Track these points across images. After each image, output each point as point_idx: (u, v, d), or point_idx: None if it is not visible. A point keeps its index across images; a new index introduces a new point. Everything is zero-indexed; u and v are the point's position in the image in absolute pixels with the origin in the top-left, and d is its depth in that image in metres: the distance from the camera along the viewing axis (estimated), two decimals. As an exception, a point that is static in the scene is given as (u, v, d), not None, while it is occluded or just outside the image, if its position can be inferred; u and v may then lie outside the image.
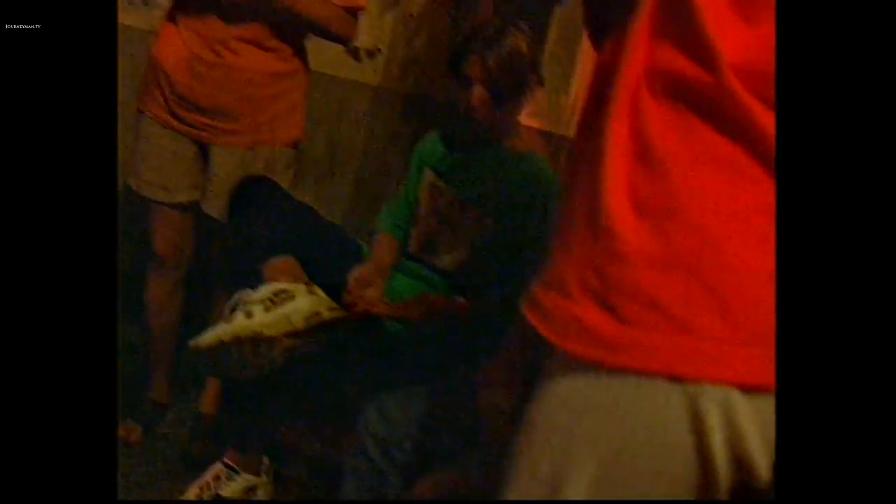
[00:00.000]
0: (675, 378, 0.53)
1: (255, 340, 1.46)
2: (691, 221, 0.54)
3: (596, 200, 0.57)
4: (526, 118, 1.86)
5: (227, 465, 1.72)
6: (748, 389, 0.53)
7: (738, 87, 0.53)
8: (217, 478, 1.70)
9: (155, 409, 2.08)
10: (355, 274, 1.65)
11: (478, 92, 1.69)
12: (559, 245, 0.61)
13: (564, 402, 0.58)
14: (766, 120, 0.53)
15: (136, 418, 2.02)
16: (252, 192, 1.80)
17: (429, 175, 1.82)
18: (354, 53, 2.77)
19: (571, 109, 2.06)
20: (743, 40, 0.54)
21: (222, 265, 2.00)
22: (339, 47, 2.61)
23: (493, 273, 1.72)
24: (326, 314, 1.53)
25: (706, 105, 0.55)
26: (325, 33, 1.88)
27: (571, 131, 2.05)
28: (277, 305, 1.50)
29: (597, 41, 0.71)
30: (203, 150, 1.89)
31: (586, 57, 2.02)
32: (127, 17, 2.31)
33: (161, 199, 1.91)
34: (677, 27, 0.57)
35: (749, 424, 0.53)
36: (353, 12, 1.88)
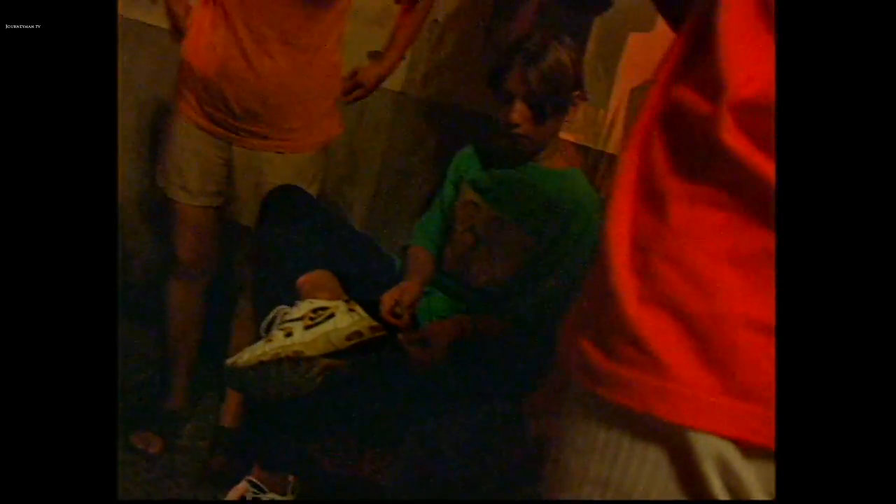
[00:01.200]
0: (665, 421, 0.52)
1: (295, 360, 1.42)
2: (684, 264, 0.53)
3: (604, 228, 0.58)
4: (563, 132, 1.82)
5: (252, 483, 1.68)
6: (742, 445, 0.52)
7: (737, 132, 0.51)
8: (243, 496, 1.66)
9: (173, 419, 2.03)
10: (393, 293, 1.60)
11: (519, 107, 1.65)
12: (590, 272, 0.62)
13: (574, 444, 0.59)
14: (767, 167, 0.51)
15: (155, 429, 1.98)
16: (283, 200, 1.76)
17: (466, 190, 1.78)
18: (376, 58, 2.73)
19: (610, 124, 2.02)
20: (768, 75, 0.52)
21: (249, 274, 1.95)
22: (362, 52, 2.58)
23: (532, 292, 1.68)
24: (367, 334, 1.48)
25: (709, 145, 0.53)
26: None
27: (609, 147, 2.04)
28: (317, 324, 1.46)
29: (676, 28, 0.69)
30: (231, 155, 1.84)
31: (625, 71, 1.98)
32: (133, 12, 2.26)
33: (182, 200, 1.86)
34: (699, 60, 0.56)
35: (748, 475, 0.52)
36: None
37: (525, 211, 1.71)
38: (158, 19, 1.99)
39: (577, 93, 1.69)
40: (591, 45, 1.99)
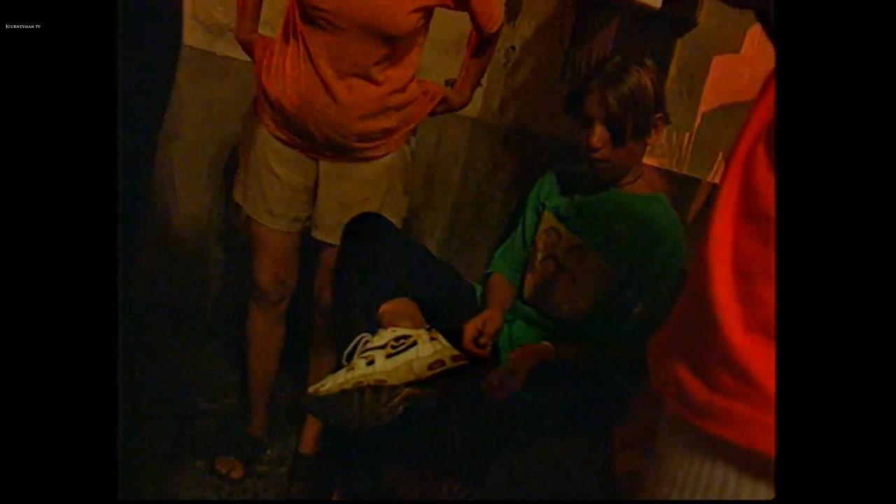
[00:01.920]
0: (768, 455, 0.49)
1: (377, 389, 1.40)
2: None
3: (702, 253, 0.55)
4: (646, 157, 1.77)
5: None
6: None
7: None
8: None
9: (253, 445, 2.05)
10: (476, 322, 1.58)
11: (599, 131, 1.62)
12: (680, 297, 0.60)
13: (674, 478, 0.57)
14: None
15: (236, 454, 2.00)
16: (365, 226, 1.76)
17: (548, 217, 1.75)
18: (452, 84, 2.74)
19: (692, 147, 1.97)
20: None
21: (329, 300, 1.96)
22: (439, 79, 2.59)
23: (617, 320, 1.64)
24: (449, 363, 1.46)
25: None
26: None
27: (686, 169, 1.99)
28: (399, 352, 1.45)
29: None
30: (316, 173, 1.86)
31: (709, 93, 1.93)
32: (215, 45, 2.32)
33: (266, 223, 1.89)
34: None
35: None
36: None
37: (608, 238, 1.68)
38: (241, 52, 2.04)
39: (658, 115, 1.65)
40: (673, 68, 1.94)
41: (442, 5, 1.77)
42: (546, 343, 1.63)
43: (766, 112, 0.57)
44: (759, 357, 0.51)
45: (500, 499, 1.35)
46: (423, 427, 1.61)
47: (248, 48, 1.89)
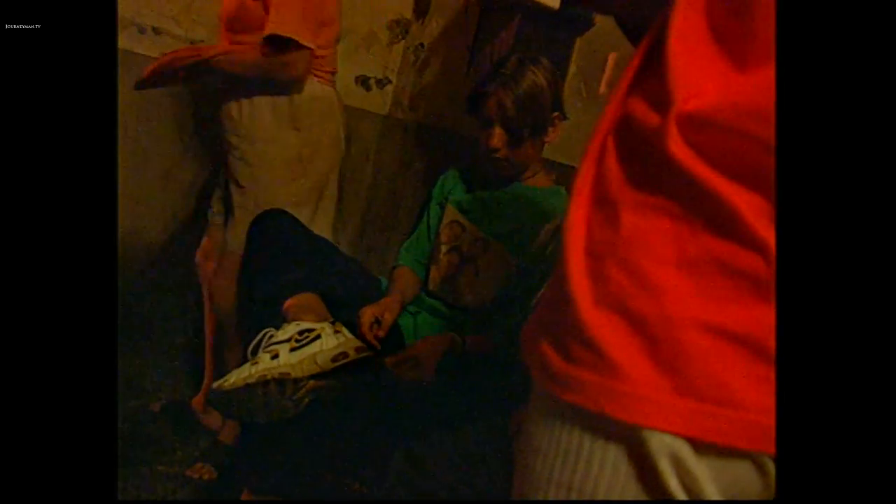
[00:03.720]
0: (618, 420, 0.54)
1: (282, 382, 1.42)
2: (634, 269, 0.55)
3: (561, 240, 0.60)
4: (546, 151, 1.83)
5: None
6: (694, 442, 0.53)
7: (682, 144, 0.54)
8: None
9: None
10: (372, 308, 1.60)
11: (497, 133, 1.66)
12: (548, 280, 0.64)
13: (539, 447, 0.60)
14: (710, 178, 0.53)
15: None
16: (269, 225, 1.76)
17: (451, 211, 1.79)
18: (364, 83, 2.76)
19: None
20: (731, 88, 0.54)
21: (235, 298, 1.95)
22: (349, 77, 2.61)
23: (520, 309, 1.69)
24: (353, 355, 1.49)
25: (656, 156, 0.55)
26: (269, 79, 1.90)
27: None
28: (303, 345, 1.46)
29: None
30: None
31: (606, 89, 2.00)
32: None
33: None
34: (651, 77, 0.58)
35: (701, 472, 0.53)
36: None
37: (509, 230, 1.73)
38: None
39: (555, 113, 1.71)
40: (573, 66, 2.01)
41: None
42: (451, 334, 1.67)
43: (617, 108, 0.61)
44: (607, 329, 0.55)
45: (408, 485, 1.38)
46: (333, 420, 1.62)
47: None
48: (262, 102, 1.94)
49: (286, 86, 1.93)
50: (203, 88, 2.21)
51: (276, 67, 1.86)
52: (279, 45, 1.84)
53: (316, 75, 1.97)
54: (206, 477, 1.95)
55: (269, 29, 1.83)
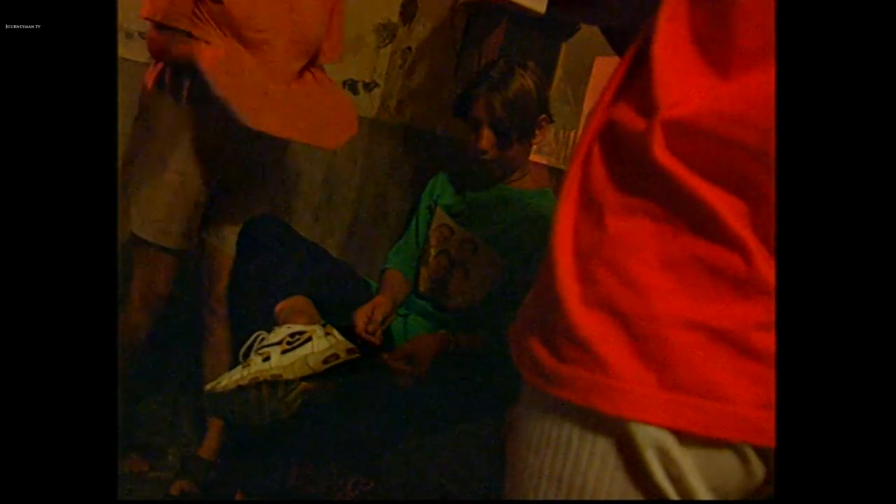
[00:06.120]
0: (605, 414, 0.56)
1: (273, 384, 1.43)
2: (620, 269, 0.56)
3: (550, 239, 0.61)
4: (534, 154, 1.86)
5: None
6: (679, 434, 0.55)
7: (666, 149, 0.56)
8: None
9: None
10: (365, 310, 1.62)
11: (486, 135, 1.69)
12: (535, 280, 0.66)
13: (529, 441, 0.61)
14: (692, 182, 0.55)
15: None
16: (260, 229, 1.78)
17: (440, 215, 1.81)
18: (351, 86, 2.77)
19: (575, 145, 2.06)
20: (714, 95, 0.55)
21: (226, 301, 1.95)
22: (337, 80, 2.61)
23: (511, 308, 1.71)
24: (344, 356, 1.50)
25: (641, 160, 0.57)
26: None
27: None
28: (294, 348, 1.47)
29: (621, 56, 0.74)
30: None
31: (592, 94, 2.03)
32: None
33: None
34: (637, 83, 0.60)
35: (685, 462, 0.55)
36: None
37: (497, 232, 1.75)
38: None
39: (542, 116, 1.73)
40: (559, 70, 2.03)
41: None
42: (445, 332, 1.69)
43: (603, 113, 0.63)
44: (594, 327, 0.57)
45: (400, 486, 1.39)
46: (325, 423, 1.64)
47: None
48: None
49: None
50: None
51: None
52: None
53: None
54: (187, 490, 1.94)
55: None
